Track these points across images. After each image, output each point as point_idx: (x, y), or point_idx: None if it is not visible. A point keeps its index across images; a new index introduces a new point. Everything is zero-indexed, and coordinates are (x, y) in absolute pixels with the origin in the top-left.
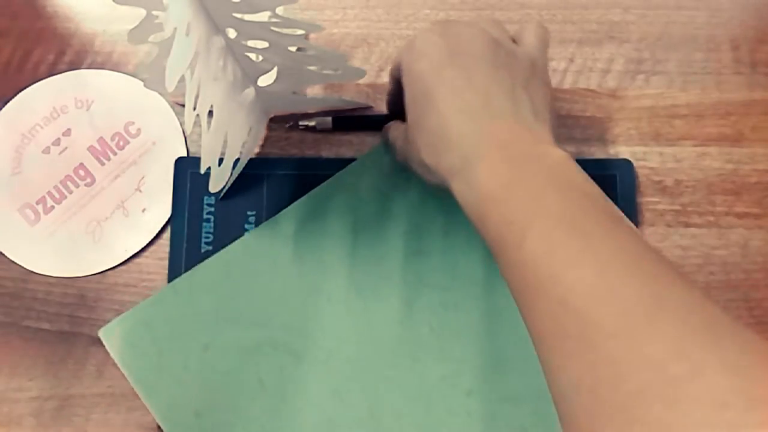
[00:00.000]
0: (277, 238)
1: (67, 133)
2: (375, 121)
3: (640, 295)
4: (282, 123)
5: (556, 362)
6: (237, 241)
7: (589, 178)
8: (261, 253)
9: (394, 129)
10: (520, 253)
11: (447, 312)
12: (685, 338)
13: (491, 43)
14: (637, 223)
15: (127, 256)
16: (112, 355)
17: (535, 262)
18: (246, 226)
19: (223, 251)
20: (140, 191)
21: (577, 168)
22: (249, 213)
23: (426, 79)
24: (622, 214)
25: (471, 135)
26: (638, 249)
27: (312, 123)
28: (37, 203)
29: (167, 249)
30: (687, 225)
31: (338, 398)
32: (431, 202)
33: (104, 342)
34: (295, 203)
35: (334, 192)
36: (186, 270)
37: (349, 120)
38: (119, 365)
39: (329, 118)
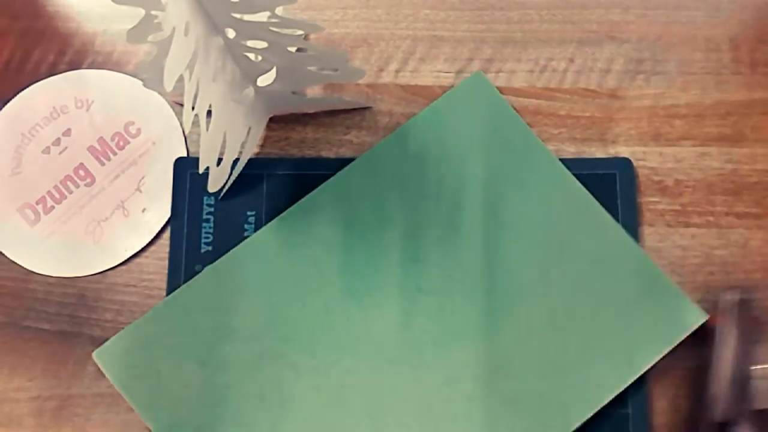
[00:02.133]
0: (271, 248)
1: (67, 133)
2: None
3: None
4: (282, 123)
5: None
6: (229, 253)
7: None
8: (254, 264)
9: None
10: None
11: (445, 318)
12: None
13: None
14: (637, 223)
15: (127, 256)
16: (108, 376)
17: None
18: (246, 226)
19: (215, 263)
20: (140, 191)
21: None
22: (249, 213)
23: None
24: None
25: None
26: None
27: None
28: (37, 203)
29: (167, 249)
30: (687, 225)
31: (339, 408)
32: (426, 207)
33: (99, 364)
34: (288, 211)
35: (326, 199)
36: (186, 270)
37: None
38: (116, 387)
39: None
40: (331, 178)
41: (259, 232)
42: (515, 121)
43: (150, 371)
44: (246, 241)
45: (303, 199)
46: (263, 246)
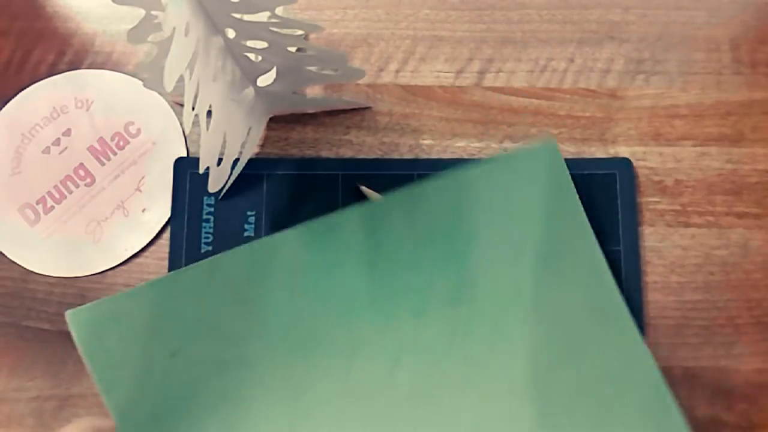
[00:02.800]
0: (272, 260)
1: (67, 133)
2: None
3: None
4: (282, 123)
5: None
6: (229, 251)
7: None
8: (253, 269)
9: None
10: None
11: (429, 382)
12: None
13: None
14: (637, 223)
15: (127, 256)
16: (75, 339)
17: None
18: (246, 226)
19: (213, 257)
20: (140, 191)
21: None
22: (249, 213)
23: None
24: None
25: None
26: None
27: None
28: (37, 203)
29: (167, 249)
30: (687, 225)
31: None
32: (451, 264)
33: (69, 323)
34: (306, 225)
35: (353, 224)
36: None
37: None
38: (80, 352)
39: None
40: (365, 206)
41: (263, 239)
42: (574, 203)
43: (118, 345)
44: (249, 244)
45: (325, 217)
46: (265, 255)
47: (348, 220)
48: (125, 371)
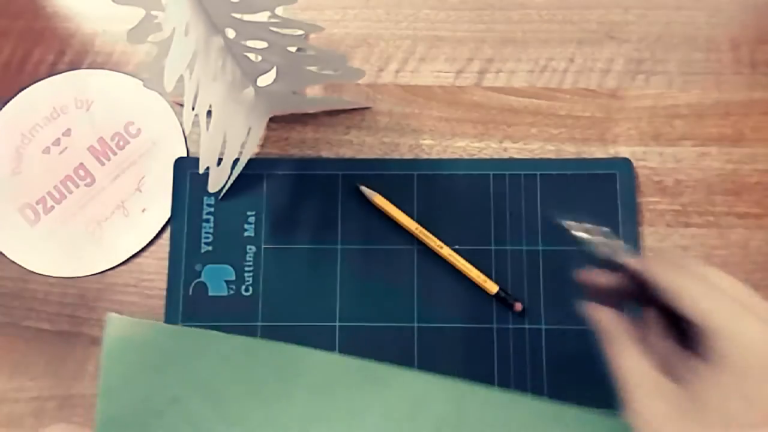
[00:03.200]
0: (300, 373)
1: (67, 133)
2: None
3: None
4: (282, 123)
5: None
6: (271, 342)
7: None
8: (282, 371)
9: (642, 371)
10: None
11: None
12: None
13: None
14: (637, 223)
15: (127, 256)
16: (105, 342)
17: None
18: (246, 226)
19: (258, 340)
20: (140, 191)
21: None
22: (249, 213)
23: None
24: None
25: None
26: None
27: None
28: (37, 203)
29: (167, 249)
30: (687, 225)
31: None
32: None
33: (107, 326)
34: (336, 356)
35: (367, 375)
36: (186, 270)
37: None
38: (102, 356)
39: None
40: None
41: (309, 351)
42: None
43: (136, 367)
44: (294, 347)
45: (368, 364)
46: (298, 362)
47: (387, 376)
48: (129, 391)
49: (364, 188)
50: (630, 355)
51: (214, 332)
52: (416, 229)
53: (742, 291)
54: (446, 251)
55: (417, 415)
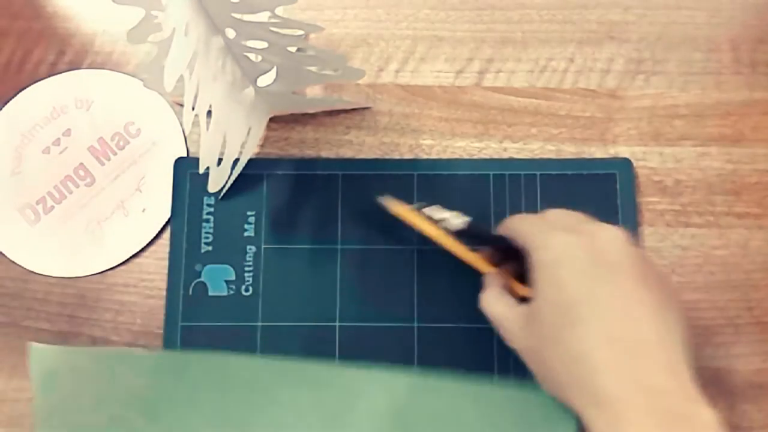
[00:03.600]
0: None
1: (67, 133)
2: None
3: None
4: (282, 123)
5: None
6: (191, 353)
7: None
8: (216, 381)
9: (500, 303)
10: None
11: None
12: None
13: (637, 254)
14: (637, 223)
15: (127, 256)
16: (32, 372)
17: None
18: (246, 226)
19: (175, 353)
20: (140, 191)
21: None
22: (249, 213)
23: (570, 291)
24: None
25: (615, 372)
26: None
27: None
28: (37, 203)
29: (167, 249)
30: (687, 225)
31: None
32: None
33: (31, 355)
34: (276, 362)
35: (332, 380)
36: (186, 270)
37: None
38: (33, 386)
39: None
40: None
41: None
42: None
43: (65, 395)
44: (214, 357)
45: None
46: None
47: (325, 375)
48: (65, 417)
49: (386, 200)
50: (495, 297)
51: (136, 349)
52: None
53: (565, 216)
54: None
55: (352, 409)
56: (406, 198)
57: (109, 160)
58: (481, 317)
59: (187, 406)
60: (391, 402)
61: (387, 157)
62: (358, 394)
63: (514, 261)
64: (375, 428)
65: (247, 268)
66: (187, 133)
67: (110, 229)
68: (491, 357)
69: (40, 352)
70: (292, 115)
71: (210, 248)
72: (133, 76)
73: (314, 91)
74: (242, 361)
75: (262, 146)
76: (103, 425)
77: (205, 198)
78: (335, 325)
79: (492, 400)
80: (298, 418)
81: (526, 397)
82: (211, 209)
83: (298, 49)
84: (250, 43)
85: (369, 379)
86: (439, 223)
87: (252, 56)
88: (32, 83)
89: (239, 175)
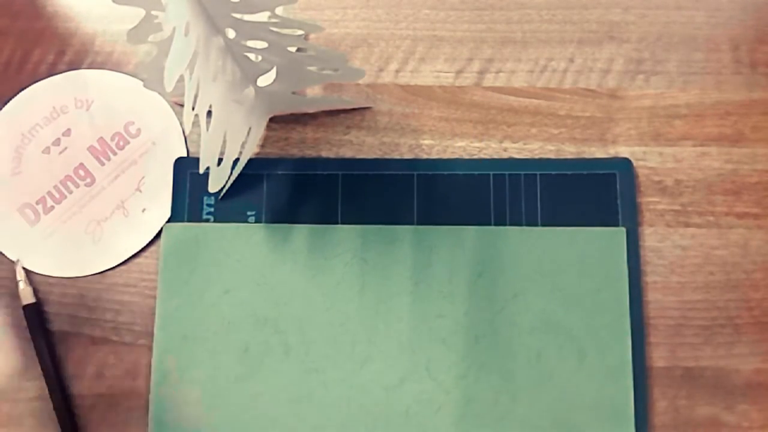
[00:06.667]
0: (328, 247)
1: (67, 133)
2: None
3: None
4: (282, 123)
5: None
6: (306, 226)
7: None
8: (319, 250)
9: None
10: None
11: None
12: None
13: None
14: (637, 223)
15: (127, 256)
16: (162, 248)
17: None
18: None
19: (287, 226)
20: (140, 191)
21: None
22: (249, 213)
23: None
24: None
25: None
26: None
27: None
28: (37, 203)
29: None
30: (687, 225)
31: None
32: (481, 301)
33: (163, 233)
34: (370, 227)
35: (393, 238)
36: None
37: None
38: (161, 260)
39: None
40: (424, 228)
41: (343, 228)
42: (622, 294)
43: (187, 268)
44: (325, 227)
45: (389, 227)
46: (326, 240)
47: (408, 234)
48: (184, 290)
49: None
50: None
51: (255, 224)
52: None
53: None
54: None
55: (430, 264)
56: (407, 198)
57: (109, 160)
58: None
59: (291, 273)
60: (463, 252)
61: (387, 157)
62: (432, 249)
63: None
64: (453, 276)
65: None
66: (187, 133)
67: (110, 229)
68: None
69: (170, 230)
70: (292, 115)
71: None
72: (133, 76)
73: (314, 91)
74: (335, 230)
75: (262, 146)
76: (219, 295)
77: (205, 198)
78: None
79: (551, 238)
80: (385, 278)
81: (579, 233)
82: (211, 209)
83: (298, 49)
84: (250, 43)
85: (440, 235)
86: None
87: (252, 56)
88: (32, 83)
89: (239, 175)
